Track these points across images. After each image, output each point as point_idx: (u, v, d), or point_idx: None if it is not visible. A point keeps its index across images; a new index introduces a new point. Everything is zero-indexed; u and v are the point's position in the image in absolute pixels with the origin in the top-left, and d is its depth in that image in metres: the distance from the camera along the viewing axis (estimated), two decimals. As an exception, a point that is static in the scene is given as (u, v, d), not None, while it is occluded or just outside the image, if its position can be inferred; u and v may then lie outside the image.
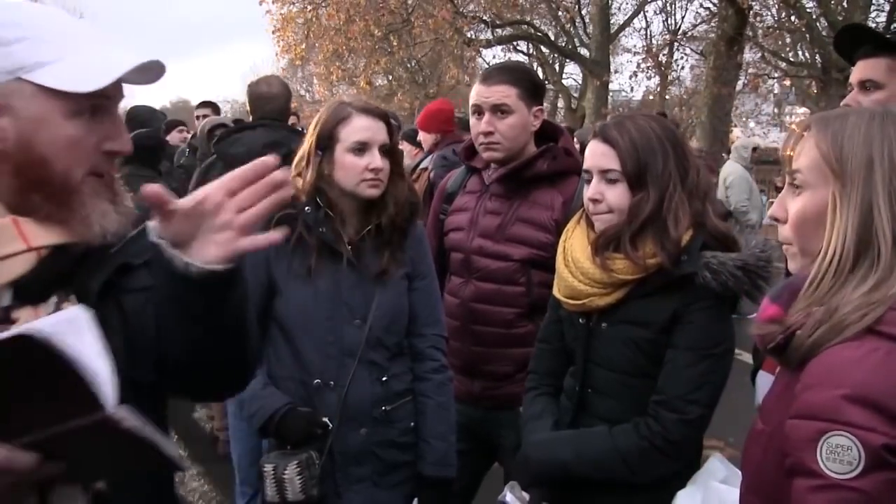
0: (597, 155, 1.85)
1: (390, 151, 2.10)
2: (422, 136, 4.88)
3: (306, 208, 2.08)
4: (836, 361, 1.06)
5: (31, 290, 1.08)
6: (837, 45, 2.15)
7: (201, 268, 1.05)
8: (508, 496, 1.95)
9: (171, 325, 1.12)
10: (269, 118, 3.61)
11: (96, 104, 1.11)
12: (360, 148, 2.06)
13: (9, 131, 1.07)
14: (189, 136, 6.60)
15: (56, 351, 0.73)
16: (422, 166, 4.66)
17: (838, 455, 1.02)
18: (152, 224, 1.08)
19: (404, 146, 5.09)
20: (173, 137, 6.49)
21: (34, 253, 1.08)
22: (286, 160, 3.55)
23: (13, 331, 0.76)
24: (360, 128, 2.06)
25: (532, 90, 2.45)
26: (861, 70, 1.97)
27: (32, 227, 1.08)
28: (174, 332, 1.13)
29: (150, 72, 1.15)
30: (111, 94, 1.13)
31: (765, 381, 2.16)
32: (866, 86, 1.96)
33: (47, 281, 1.09)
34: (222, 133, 4.09)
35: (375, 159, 2.05)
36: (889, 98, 1.90)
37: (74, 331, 0.80)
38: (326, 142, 2.08)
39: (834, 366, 1.06)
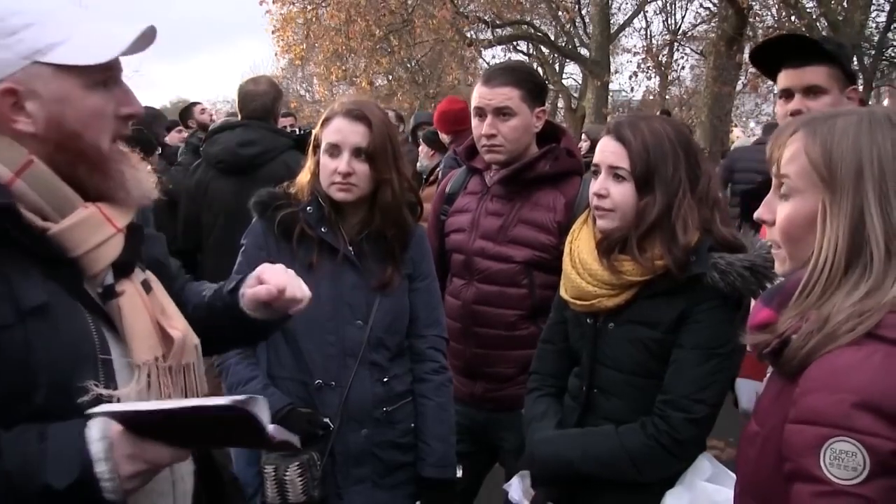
0: (607, 151, 1.85)
1: (371, 156, 2.04)
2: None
3: (308, 208, 2.08)
4: (837, 366, 1.06)
5: (123, 265, 1.26)
6: (760, 53, 2.27)
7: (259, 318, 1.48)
8: (515, 482, 1.95)
9: (223, 327, 1.51)
10: (255, 116, 3.64)
11: (108, 76, 1.21)
12: (332, 150, 2.05)
13: (37, 114, 1.16)
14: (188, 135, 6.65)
15: (254, 419, 1.07)
16: (437, 168, 4.62)
17: (842, 461, 1.01)
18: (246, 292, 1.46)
19: (422, 148, 5.04)
20: (172, 138, 6.50)
21: (121, 234, 1.24)
22: (258, 158, 3.60)
23: (226, 402, 1.06)
24: (333, 129, 2.06)
25: (535, 91, 2.43)
26: (803, 76, 2.09)
27: (110, 210, 1.23)
28: (223, 329, 1.51)
29: (144, 39, 1.24)
30: (116, 66, 1.22)
31: (745, 387, 2.19)
32: (814, 90, 2.07)
33: (132, 255, 1.28)
34: (207, 133, 4.13)
35: (342, 163, 2.03)
36: (834, 103, 2.01)
37: (259, 405, 1.09)
38: (317, 142, 2.11)
39: (834, 370, 1.06)
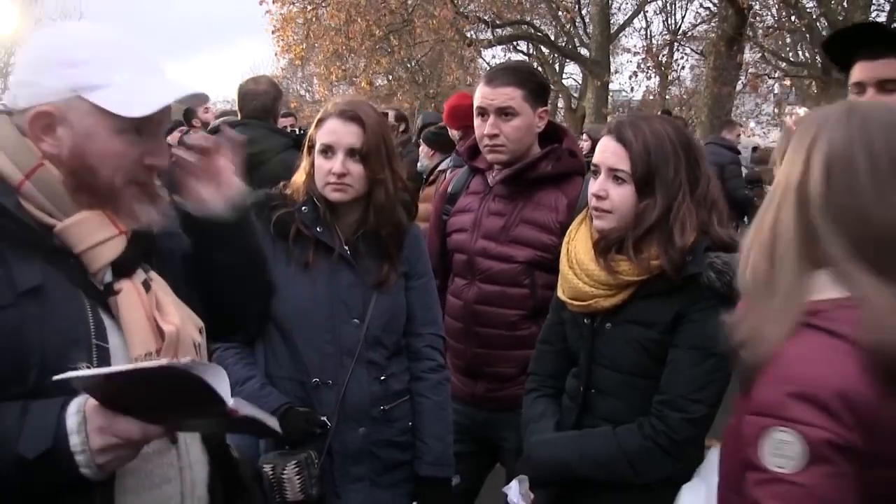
0: (608, 152, 1.83)
1: (365, 157, 2.05)
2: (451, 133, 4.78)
3: (303, 208, 2.09)
4: (781, 358, 1.11)
5: (124, 265, 1.31)
6: (833, 43, 2.11)
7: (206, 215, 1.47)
8: (514, 486, 1.95)
9: (209, 258, 1.49)
10: (255, 116, 3.64)
11: (142, 125, 1.28)
12: (326, 151, 2.06)
13: (64, 140, 1.25)
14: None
15: (195, 378, 1.08)
16: (440, 168, 4.57)
17: (781, 450, 1.06)
18: (179, 201, 1.46)
19: (422, 148, 5.03)
20: (173, 138, 6.50)
21: (123, 236, 1.30)
22: (256, 157, 3.61)
23: (163, 362, 1.11)
24: (327, 130, 2.07)
25: (537, 91, 2.43)
26: (876, 69, 1.92)
27: (115, 215, 1.29)
28: (212, 262, 1.50)
29: (195, 99, 1.36)
30: (157, 117, 1.30)
31: None
32: (888, 85, 1.91)
33: (133, 258, 1.33)
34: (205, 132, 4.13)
35: (337, 163, 2.03)
36: None
37: (213, 373, 1.11)
38: (311, 143, 2.12)
39: (779, 362, 1.11)
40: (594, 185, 1.86)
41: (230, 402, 1.14)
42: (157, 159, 1.33)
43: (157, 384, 1.14)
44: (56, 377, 1.12)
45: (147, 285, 1.35)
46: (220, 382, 1.12)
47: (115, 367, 1.19)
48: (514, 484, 1.97)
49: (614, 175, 1.82)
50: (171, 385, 1.13)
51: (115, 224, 1.30)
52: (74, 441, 1.14)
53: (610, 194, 1.82)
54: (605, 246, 1.83)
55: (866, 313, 1.08)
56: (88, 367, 1.21)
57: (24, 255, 1.22)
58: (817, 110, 1.24)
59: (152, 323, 1.32)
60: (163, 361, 1.13)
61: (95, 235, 1.27)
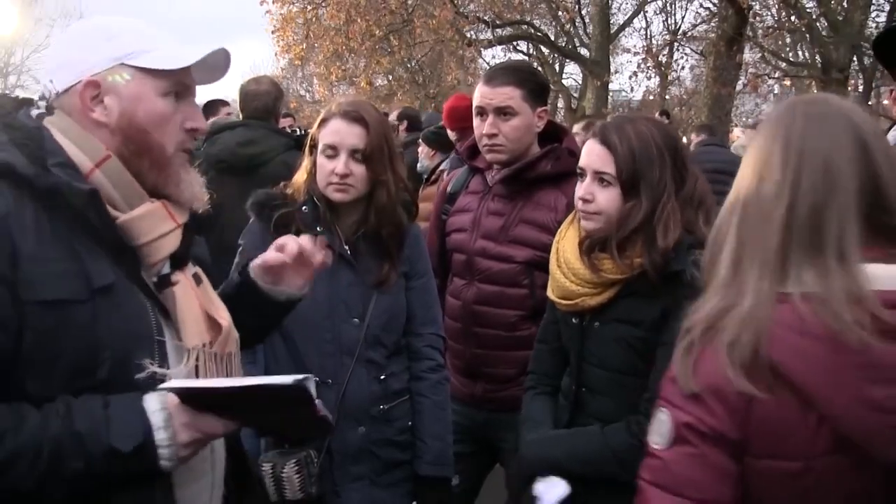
0: (593, 155, 1.85)
1: (368, 157, 2.06)
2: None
3: (303, 207, 2.09)
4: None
5: (179, 258, 1.37)
6: (882, 43, 2.00)
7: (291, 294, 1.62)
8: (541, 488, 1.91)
9: (247, 319, 1.54)
10: (256, 116, 3.64)
11: (179, 90, 1.36)
12: (329, 151, 2.07)
13: (113, 108, 1.30)
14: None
15: (308, 394, 1.20)
16: (441, 167, 4.57)
17: (658, 427, 1.17)
18: (253, 266, 1.59)
19: (422, 148, 5.03)
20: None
21: (180, 229, 1.36)
22: (258, 158, 3.58)
23: (289, 381, 1.19)
24: (330, 131, 2.08)
25: (537, 91, 2.43)
26: None
27: (173, 207, 1.35)
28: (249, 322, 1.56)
29: (216, 70, 1.43)
30: (189, 83, 1.38)
31: None
32: None
33: (186, 250, 1.39)
34: (206, 133, 4.11)
35: (340, 164, 2.04)
36: None
37: (312, 384, 1.21)
38: (313, 143, 2.12)
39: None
40: (580, 189, 1.87)
41: (318, 402, 1.21)
42: (195, 122, 1.39)
43: (256, 396, 1.20)
44: (162, 387, 1.21)
45: (198, 278, 1.41)
46: (314, 391, 1.21)
47: (231, 381, 1.24)
48: (540, 486, 1.87)
49: (600, 178, 1.83)
50: (268, 397, 1.20)
51: (173, 217, 1.35)
52: (161, 436, 1.21)
53: (596, 197, 1.83)
54: (590, 245, 1.85)
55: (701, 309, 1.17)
56: (152, 364, 1.26)
57: (94, 250, 1.26)
58: (774, 113, 1.25)
59: (205, 315, 1.37)
60: (288, 380, 1.19)
61: (159, 228, 1.32)
